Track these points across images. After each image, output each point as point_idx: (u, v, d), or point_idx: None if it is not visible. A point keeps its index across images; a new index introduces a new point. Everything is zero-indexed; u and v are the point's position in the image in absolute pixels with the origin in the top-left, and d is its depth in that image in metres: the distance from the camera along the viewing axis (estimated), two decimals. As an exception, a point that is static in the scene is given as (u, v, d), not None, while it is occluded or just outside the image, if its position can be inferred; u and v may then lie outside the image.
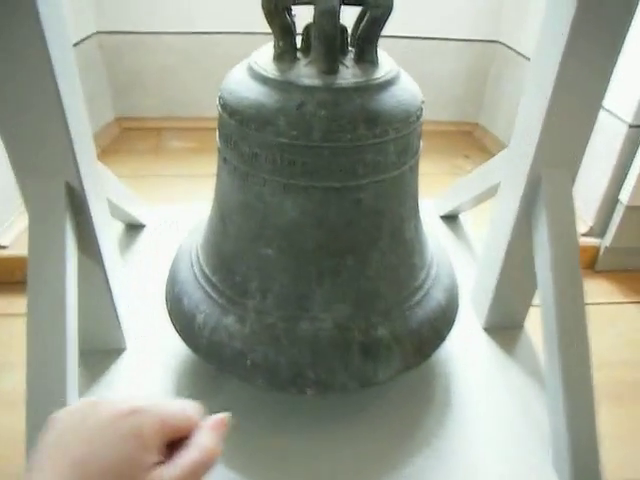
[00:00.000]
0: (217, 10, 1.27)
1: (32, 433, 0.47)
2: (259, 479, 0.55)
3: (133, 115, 1.43)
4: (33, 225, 0.52)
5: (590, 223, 1.02)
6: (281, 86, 0.48)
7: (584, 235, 1.01)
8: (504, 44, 1.33)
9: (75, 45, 1.22)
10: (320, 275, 0.52)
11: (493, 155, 1.29)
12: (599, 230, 1.01)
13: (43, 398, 0.49)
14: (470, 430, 0.60)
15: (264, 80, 0.49)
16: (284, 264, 0.53)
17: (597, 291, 0.99)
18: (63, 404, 0.47)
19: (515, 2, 1.27)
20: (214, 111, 0.53)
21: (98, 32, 1.30)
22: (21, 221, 0.97)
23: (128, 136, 1.41)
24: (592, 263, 1.02)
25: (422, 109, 0.53)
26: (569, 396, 0.55)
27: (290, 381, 0.53)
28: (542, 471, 0.57)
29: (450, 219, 0.94)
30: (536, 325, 0.75)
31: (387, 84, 0.49)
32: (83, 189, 0.54)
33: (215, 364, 0.56)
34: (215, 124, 0.54)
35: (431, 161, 1.30)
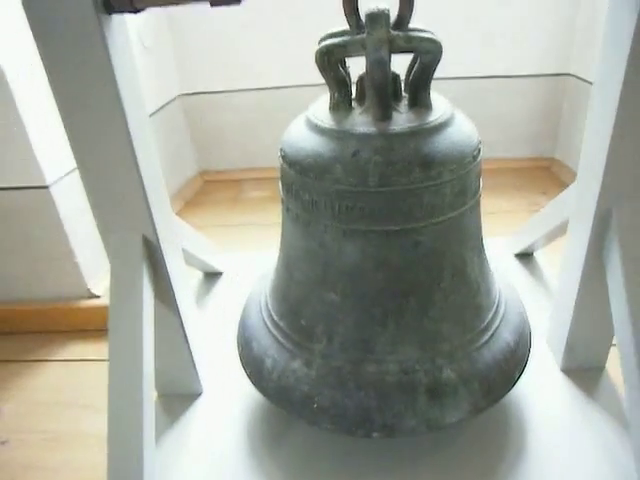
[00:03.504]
0: (290, 65, 1.34)
1: (113, 472, 0.50)
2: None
3: (215, 169, 1.51)
4: (114, 275, 0.57)
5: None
6: (337, 135, 0.50)
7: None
8: (576, 76, 1.30)
9: (161, 108, 1.32)
10: (384, 317, 0.53)
11: (571, 190, 1.21)
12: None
13: (122, 439, 0.52)
14: (546, 476, 0.57)
15: (321, 131, 0.51)
16: (348, 307, 0.54)
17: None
18: (140, 444, 0.51)
19: (584, 33, 1.25)
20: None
21: (181, 95, 1.40)
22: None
23: (210, 188, 1.49)
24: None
25: (479, 149, 0.53)
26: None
27: (357, 424, 0.53)
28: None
29: (525, 257, 0.92)
30: (618, 366, 0.71)
31: (441, 127, 0.50)
32: (158, 241, 0.58)
33: (284, 408, 0.57)
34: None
35: (508, 198, 1.28)
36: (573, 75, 1.32)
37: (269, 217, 1.26)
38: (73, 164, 0.92)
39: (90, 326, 0.99)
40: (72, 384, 0.89)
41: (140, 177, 0.53)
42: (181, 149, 1.44)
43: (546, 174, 1.39)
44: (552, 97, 1.36)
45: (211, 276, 0.93)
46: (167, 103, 1.36)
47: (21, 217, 0.93)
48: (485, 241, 0.60)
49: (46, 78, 0.48)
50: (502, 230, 0.97)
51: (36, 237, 0.95)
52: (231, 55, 1.37)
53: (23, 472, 0.74)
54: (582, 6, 1.25)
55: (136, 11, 0.45)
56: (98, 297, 1.01)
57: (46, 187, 0.90)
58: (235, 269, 0.95)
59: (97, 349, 0.96)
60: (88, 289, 1.00)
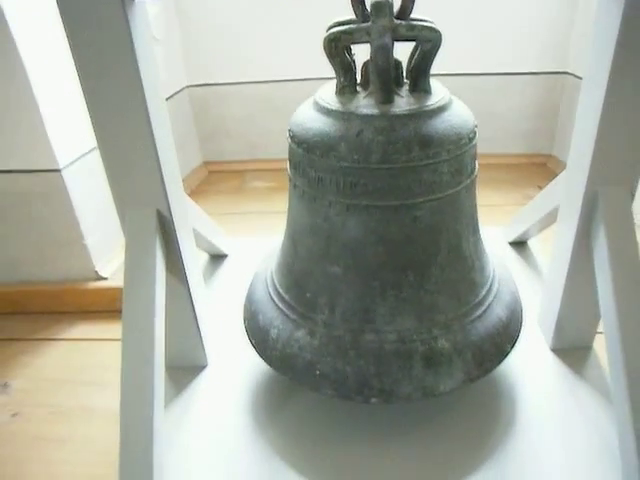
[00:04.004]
0: (295, 59, 1.38)
1: (125, 442, 0.53)
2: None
3: (219, 159, 1.55)
4: (129, 248, 0.60)
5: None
6: (342, 116, 0.53)
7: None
8: (573, 75, 1.34)
9: (168, 98, 1.36)
10: (383, 289, 0.56)
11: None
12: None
13: (133, 410, 0.55)
14: (535, 448, 0.61)
15: (327, 112, 0.54)
16: (350, 280, 0.57)
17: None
18: (151, 415, 0.54)
19: (581, 33, 1.29)
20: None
21: (188, 86, 1.43)
22: (120, 256, 1.07)
23: (214, 178, 1.53)
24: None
25: (475, 132, 0.56)
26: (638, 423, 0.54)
27: (356, 390, 0.56)
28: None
29: (519, 245, 0.95)
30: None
31: (439, 110, 0.54)
32: (172, 217, 0.61)
33: (287, 375, 0.60)
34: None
35: (503, 192, 1.31)
36: (570, 74, 1.35)
37: (272, 206, 1.30)
38: (85, 148, 0.96)
39: (96, 307, 1.01)
40: (78, 362, 0.92)
41: (157, 154, 0.56)
42: (187, 139, 1.47)
43: (542, 170, 1.42)
44: (550, 95, 1.39)
45: (216, 258, 0.96)
46: (174, 94, 1.39)
47: (32, 200, 0.96)
48: (481, 229, 0.64)
49: (62, 61, 0.51)
50: (497, 222, 1.00)
51: (46, 220, 0.98)
52: (238, 48, 1.40)
53: (32, 442, 0.77)
54: (580, 6, 1.29)
55: (158, -5, 0.48)
56: (105, 279, 1.04)
57: (58, 170, 0.93)
58: (240, 252, 0.98)
59: (103, 330, 0.99)
60: (95, 271, 1.03)
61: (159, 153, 0.57)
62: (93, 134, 0.56)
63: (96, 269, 1.03)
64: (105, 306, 1.00)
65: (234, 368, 0.73)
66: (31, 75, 0.85)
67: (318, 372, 0.57)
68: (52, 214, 0.97)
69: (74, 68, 0.52)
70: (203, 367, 0.73)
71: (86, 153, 0.97)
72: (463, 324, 0.58)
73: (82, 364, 0.92)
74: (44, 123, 0.88)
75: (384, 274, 0.56)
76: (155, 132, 0.56)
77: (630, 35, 0.51)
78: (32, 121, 0.88)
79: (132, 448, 0.53)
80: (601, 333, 0.63)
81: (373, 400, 0.56)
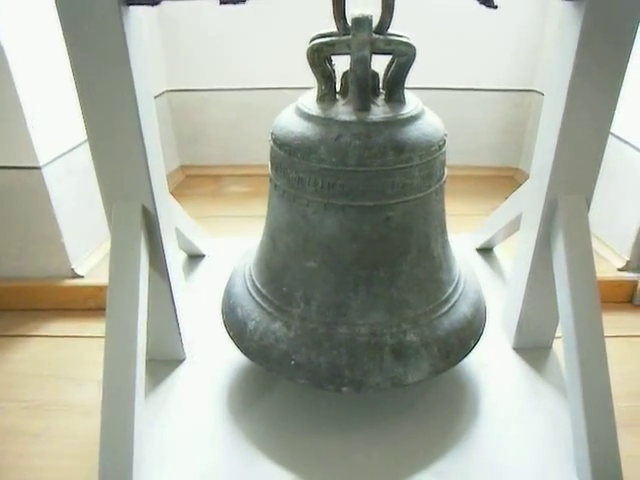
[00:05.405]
0: (274, 68, 1.41)
1: (106, 431, 0.56)
2: (300, 471, 0.61)
3: (196, 163, 1.57)
4: (114, 241, 0.62)
5: (627, 258, 1.05)
6: (322, 122, 0.57)
7: (621, 270, 1.04)
8: (540, 92, 1.40)
9: (147, 102, 1.38)
10: (356, 285, 0.60)
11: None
12: (636, 264, 1.04)
13: (115, 402, 0.57)
14: (496, 436, 0.65)
15: (308, 117, 0.58)
16: (325, 275, 0.60)
17: (636, 324, 1.01)
18: (132, 406, 0.56)
19: (548, 54, 1.35)
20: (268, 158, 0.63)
21: (168, 90, 1.46)
22: (96, 255, 1.08)
23: (191, 182, 1.55)
24: (630, 297, 1.04)
25: (444, 140, 0.60)
26: (590, 421, 0.58)
27: (329, 380, 0.59)
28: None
29: (485, 251, 1.00)
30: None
31: (412, 119, 0.58)
32: (156, 213, 0.64)
33: (264, 365, 0.63)
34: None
35: (470, 203, 1.36)
36: (537, 91, 1.42)
37: (248, 210, 1.32)
38: (66, 147, 0.98)
39: (72, 305, 1.02)
40: (53, 358, 0.93)
41: (144, 150, 0.59)
42: (164, 143, 1.48)
43: (509, 182, 1.48)
44: (518, 111, 1.45)
45: (194, 258, 0.99)
46: (154, 97, 1.41)
47: (11, 196, 0.97)
48: (449, 234, 0.68)
49: (47, 61, 0.53)
50: (466, 230, 1.05)
51: (25, 217, 0.99)
52: (218, 56, 1.43)
53: (5, 436, 0.78)
54: (547, 31, 1.36)
55: (154, 3, 0.51)
56: (81, 277, 1.05)
57: (38, 168, 0.94)
58: (218, 252, 1.01)
59: (78, 327, 1.00)
60: (72, 269, 1.04)
61: (147, 149, 0.60)
62: (84, 129, 0.58)
63: (72, 267, 1.04)
64: (81, 304, 1.01)
65: (210, 362, 0.75)
66: (15, 75, 0.86)
67: (293, 362, 0.60)
68: (31, 211, 0.98)
69: (62, 68, 0.55)
70: (181, 360, 0.76)
71: (67, 152, 0.99)
72: (430, 319, 0.62)
73: (57, 360, 0.93)
74: (26, 121, 0.90)
75: (357, 270, 0.60)
76: (144, 129, 0.59)
77: (585, 58, 0.57)
78: (14, 118, 0.89)
79: (113, 437, 0.56)
80: (560, 338, 0.67)
81: (345, 389, 0.59)
